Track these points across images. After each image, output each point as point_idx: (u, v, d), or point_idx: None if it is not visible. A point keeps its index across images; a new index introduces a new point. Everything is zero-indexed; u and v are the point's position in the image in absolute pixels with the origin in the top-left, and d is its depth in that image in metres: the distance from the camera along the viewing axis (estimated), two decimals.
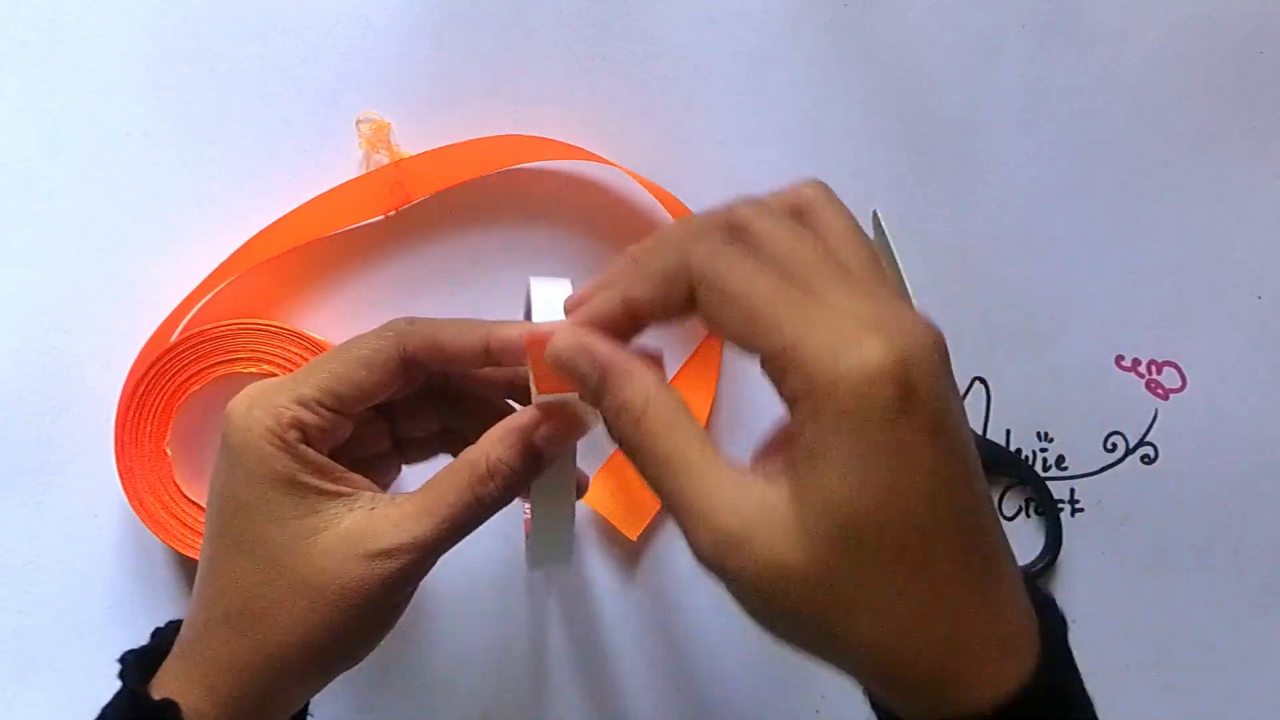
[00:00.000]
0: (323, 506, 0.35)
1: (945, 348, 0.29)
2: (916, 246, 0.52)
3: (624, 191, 0.51)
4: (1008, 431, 0.54)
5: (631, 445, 0.31)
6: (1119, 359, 0.54)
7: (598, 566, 0.52)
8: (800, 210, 0.32)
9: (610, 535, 0.52)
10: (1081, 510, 0.54)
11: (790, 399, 0.29)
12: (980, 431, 0.53)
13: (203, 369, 0.48)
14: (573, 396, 0.35)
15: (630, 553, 0.52)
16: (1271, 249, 0.54)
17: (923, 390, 0.27)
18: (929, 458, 0.28)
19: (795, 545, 0.28)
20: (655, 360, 0.33)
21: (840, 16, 0.51)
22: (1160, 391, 0.54)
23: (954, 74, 0.52)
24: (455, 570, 0.51)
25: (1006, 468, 0.54)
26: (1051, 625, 0.31)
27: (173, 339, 0.48)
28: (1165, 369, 0.54)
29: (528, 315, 0.39)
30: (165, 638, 0.38)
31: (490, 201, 0.51)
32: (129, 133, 0.49)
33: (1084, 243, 0.53)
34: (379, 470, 0.41)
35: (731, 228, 0.31)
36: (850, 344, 0.27)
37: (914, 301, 0.35)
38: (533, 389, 0.36)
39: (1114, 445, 0.54)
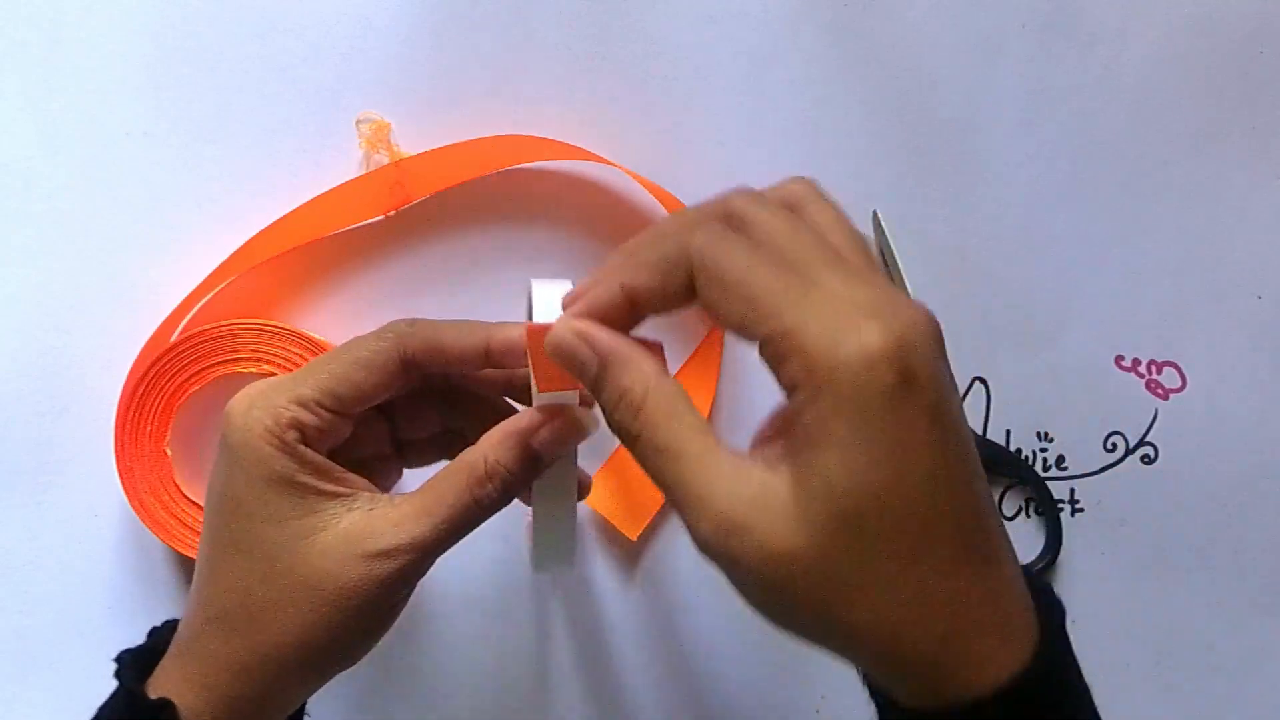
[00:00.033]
0: (321, 507, 0.35)
1: (940, 333, 0.29)
2: (916, 246, 0.52)
3: (624, 191, 0.51)
4: (1008, 431, 0.54)
5: (631, 434, 0.31)
6: (1119, 359, 0.54)
7: (597, 567, 0.52)
8: (791, 205, 0.32)
9: (610, 535, 0.52)
10: (1081, 510, 0.54)
11: (789, 384, 0.29)
12: (980, 431, 0.53)
13: (203, 369, 0.48)
14: (573, 395, 0.36)
15: (630, 553, 0.52)
16: (1271, 249, 0.54)
17: (921, 374, 0.28)
18: (928, 441, 0.28)
19: (797, 531, 0.28)
20: (656, 350, 0.33)
21: (840, 16, 0.51)
22: (1160, 391, 0.54)
23: (954, 74, 0.52)
24: (455, 570, 0.51)
25: (1006, 468, 0.54)
26: (1049, 610, 0.31)
27: (173, 339, 0.48)
28: (1165, 369, 0.54)
29: (529, 317, 0.39)
30: (162, 637, 0.38)
31: (490, 201, 0.51)
32: (129, 133, 0.49)
33: (1084, 243, 0.53)
34: (380, 473, 0.41)
35: (729, 217, 0.31)
36: (849, 329, 0.27)
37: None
38: (533, 386, 0.36)
39: (1114, 445, 0.54)
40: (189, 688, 0.35)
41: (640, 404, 0.31)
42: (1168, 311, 0.53)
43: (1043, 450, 0.54)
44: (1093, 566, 0.54)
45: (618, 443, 0.50)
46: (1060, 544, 0.53)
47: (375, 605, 0.35)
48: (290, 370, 0.47)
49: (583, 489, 0.40)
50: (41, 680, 0.50)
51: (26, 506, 0.50)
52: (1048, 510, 0.54)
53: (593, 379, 0.32)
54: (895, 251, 0.51)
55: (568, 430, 0.36)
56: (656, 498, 0.51)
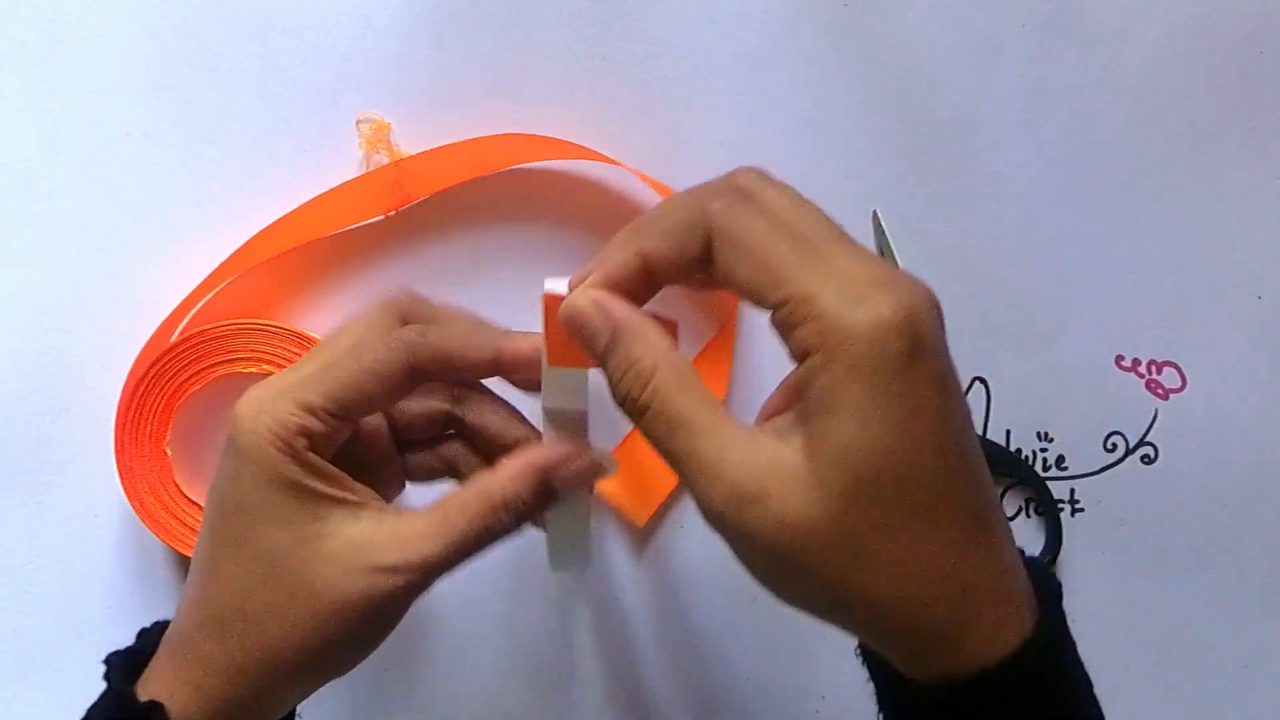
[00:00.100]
0: (327, 513, 0.35)
1: (940, 308, 0.30)
2: (916, 246, 0.52)
3: (625, 190, 0.51)
4: (1008, 431, 0.54)
5: (640, 406, 0.31)
6: (1119, 359, 0.54)
7: (600, 559, 0.52)
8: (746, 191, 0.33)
9: (616, 522, 0.52)
10: (1081, 510, 0.54)
11: (801, 351, 0.29)
12: (980, 431, 0.53)
13: (203, 369, 0.48)
14: (583, 375, 0.35)
15: (635, 538, 0.52)
16: (1271, 249, 0.54)
17: (928, 343, 0.28)
18: (936, 408, 0.28)
19: (811, 500, 0.28)
20: (670, 326, 0.33)
21: (840, 16, 0.51)
22: (1160, 391, 0.54)
23: (954, 74, 0.52)
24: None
25: (1006, 468, 0.53)
26: (1047, 586, 0.31)
27: (173, 339, 0.48)
28: (1165, 369, 0.54)
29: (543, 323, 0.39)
30: (151, 639, 0.38)
31: (490, 201, 0.51)
32: (129, 133, 0.49)
33: (1084, 243, 0.53)
34: (382, 480, 0.40)
35: (739, 190, 0.32)
36: (863, 297, 0.28)
37: None
38: (544, 360, 0.36)
39: (1114, 445, 0.54)
40: (180, 689, 0.35)
41: (650, 375, 0.31)
42: (1168, 311, 0.53)
43: (1043, 450, 0.54)
44: (1093, 566, 0.54)
45: (626, 430, 0.51)
46: (1060, 544, 0.53)
47: (375, 618, 0.35)
48: None
49: (607, 468, 0.39)
50: (41, 680, 0.50)
51: (26, 506, 0.50)
52: (1048, 510, 0.54)
53: (602, 350, 0.32)
54: (895, 251, 0.51)
55: (588, 471, 0.36)
56: (664, 485, 0.51)
